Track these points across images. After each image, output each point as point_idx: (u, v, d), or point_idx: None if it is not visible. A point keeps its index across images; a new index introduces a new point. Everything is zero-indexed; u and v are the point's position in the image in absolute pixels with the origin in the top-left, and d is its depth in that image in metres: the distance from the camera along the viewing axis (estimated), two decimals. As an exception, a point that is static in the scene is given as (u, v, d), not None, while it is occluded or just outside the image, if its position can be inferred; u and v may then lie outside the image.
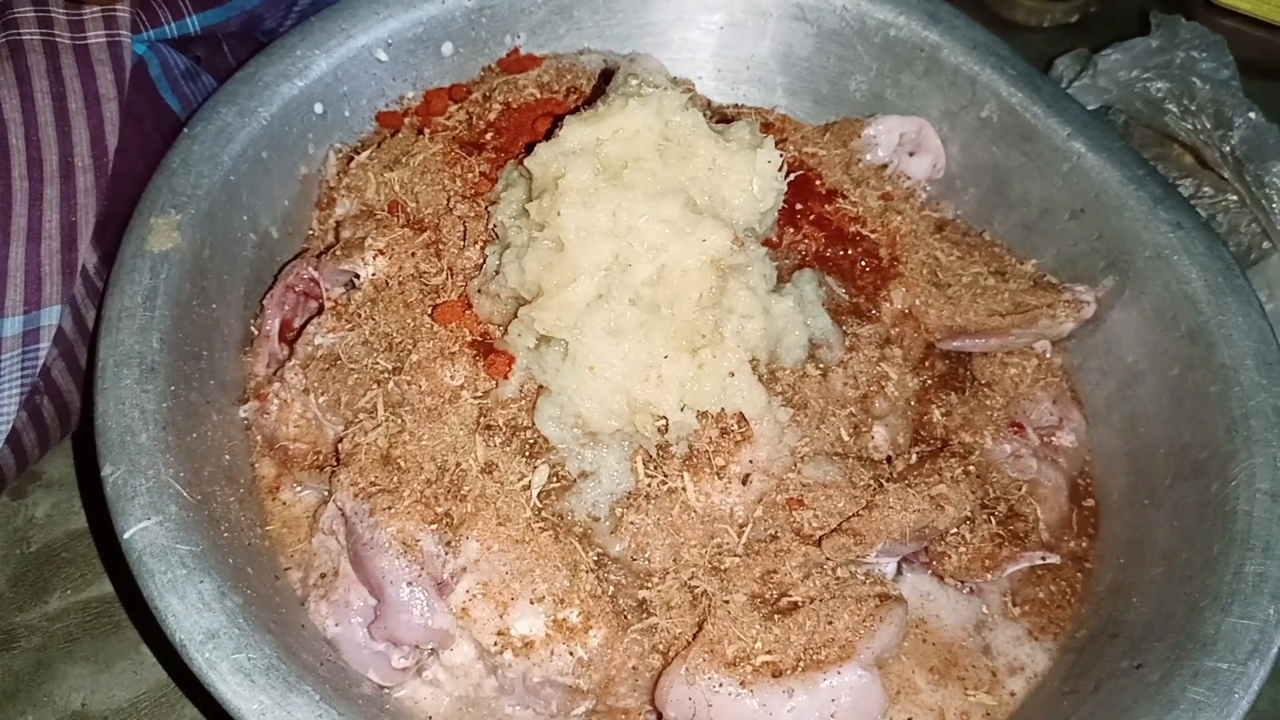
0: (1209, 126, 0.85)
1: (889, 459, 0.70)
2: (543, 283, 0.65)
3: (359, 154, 0.80)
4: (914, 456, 0.70)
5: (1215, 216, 0.88)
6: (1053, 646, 0.70)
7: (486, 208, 0.72)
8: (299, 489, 0.70)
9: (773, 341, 0.69)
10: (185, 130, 0.74)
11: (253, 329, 0.74)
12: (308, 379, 0.69)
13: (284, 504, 0.70)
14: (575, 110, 0.75)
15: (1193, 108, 0.86)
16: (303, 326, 0.72)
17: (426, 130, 0.80)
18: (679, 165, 0.66)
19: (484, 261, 0.70)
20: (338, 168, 0.81)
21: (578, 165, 0.64)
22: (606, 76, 0.85)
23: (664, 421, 0.65)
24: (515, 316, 0.67)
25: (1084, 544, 0.74)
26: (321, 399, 0.68)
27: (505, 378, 0.66)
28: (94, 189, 0.69)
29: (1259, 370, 0.69)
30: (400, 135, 0.81)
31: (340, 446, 0.66)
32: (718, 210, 0.66)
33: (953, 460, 0.69)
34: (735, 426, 0.66)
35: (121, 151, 0.72)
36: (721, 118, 0.86)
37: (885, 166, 0.86)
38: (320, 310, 0.72)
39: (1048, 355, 0.80)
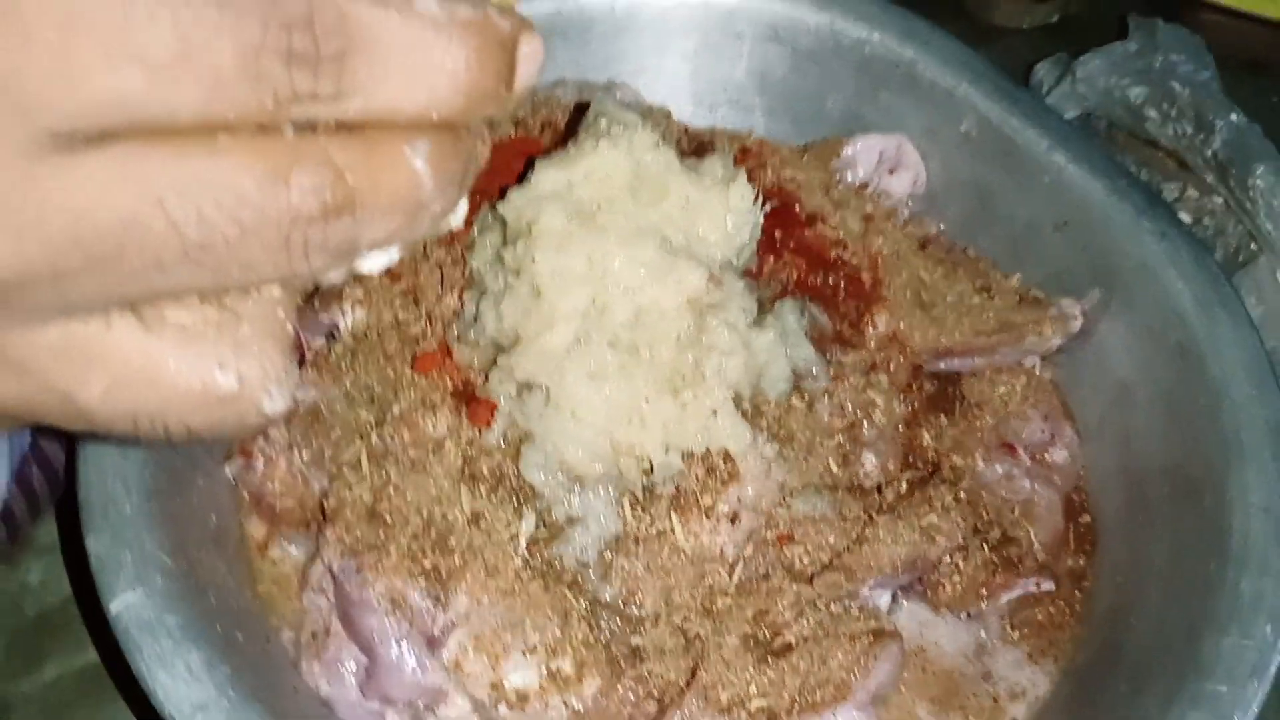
0: (1190, 131, 0.85)
1: (879, 488, 0.69)
2: (521, 330, 0.64)
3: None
4: (904, 484, 0.70)
5: (1201, 220, 0.87)
6: (1053, 670, 0.69)
7: (462, 252, 0.72)
8: (288, 546, 0.69)
9: (755, 376, 0.68)
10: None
11: (235, 385, 0.74)
12: (291, 434, 0.68)
13: (273, 562, 0.69)
14: (548, 150, 0.74)
15: (1173, 113, 0.85)
16: (285, 380, 0.72)
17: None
18: (652, 205, 0.65)
19: (462, 308, 0.70)
20: (315, 215, 0.80)
21: (550, 210, 0.64)
22: (581, 109, 0.85)
23: (649, 463, 0.64)
24: (495, 363, 0.66)
25: (1081, 561, 0.73)
26: (305, 454, 0.67)
27: (488, 425, 0.66)
28: None
29: (1249, 383, 0.69)
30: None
31: (325, 502, 0.65)
32: (693, 248, 0.66)
33: (943, 488, 0.68)
34: (721, 465, 0.65)
35: None
36: (698, 144, 0.86)
37: (866, 186, 0.86)
38: (302, 363, 0.72)
39: (1037, 371, 0.79)
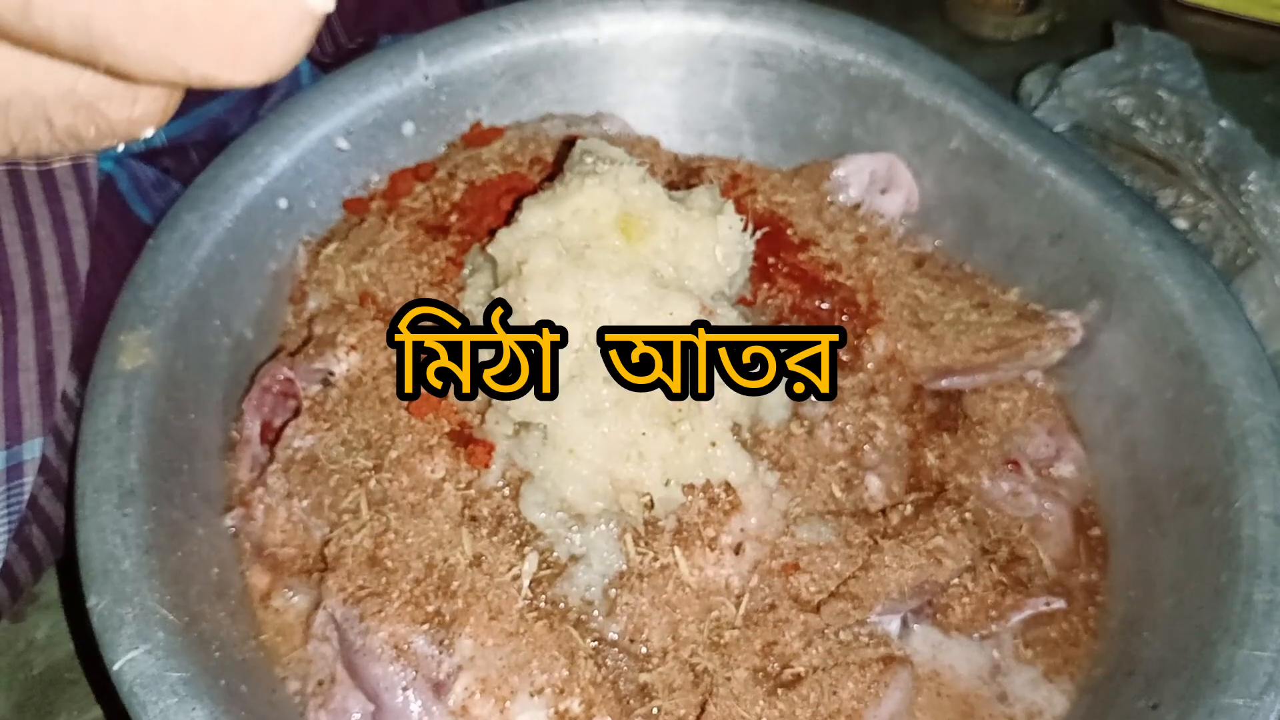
0: (1180, 139, 0.84)
1: (884, 511, 0.69)
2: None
3: (328, 245, 0.80)
4: (910, 506, 0.69)
5: (1198, 225, 0.87)
6: (1070, 687, 0.68)
7: (455, 294, 0.71)
8: (290, 595, 0.69)
9: (754, 405, 0.68)
10: (150, 241, 0.74)
11: (233, 434, 0.74)
12: (290, 482, 0.68)
13: (276, 611, 0.69)
14: (537, 188, 0.74)
15: (1162, 121, 0.85)
16: (283, 427, 0.72)
17: (393, 215, 0.80)
18: (641, 239, 0.65)
19: (456, 349, 0.69)
20: (307, 260, 0.80)
21: (540, 249, 0.64)
22: (570, 144, 0.85)
23: (650, 498, 0.64)
24: (491, 404, 0.66)
25: (1094, 575, 0.73)
26: (305, 502, 0.67)
27: (486, 467, 0.66)
28: (68, 316, 0.68)
29: (1252, 388, 0.68)
30: (368, 222, 0.81)
31: (327, 550, 0.65)
32: (684, 280, 0.66)
33: (948, 509, 0.67)
34: (723, 496, 0.65)
35: (94, 272, 0.71)
36: (688, 173, 0.86)
37: (858, 207, 0.85)
38: (299, 410, 0.72)
39: (1039, 385, 0.78)
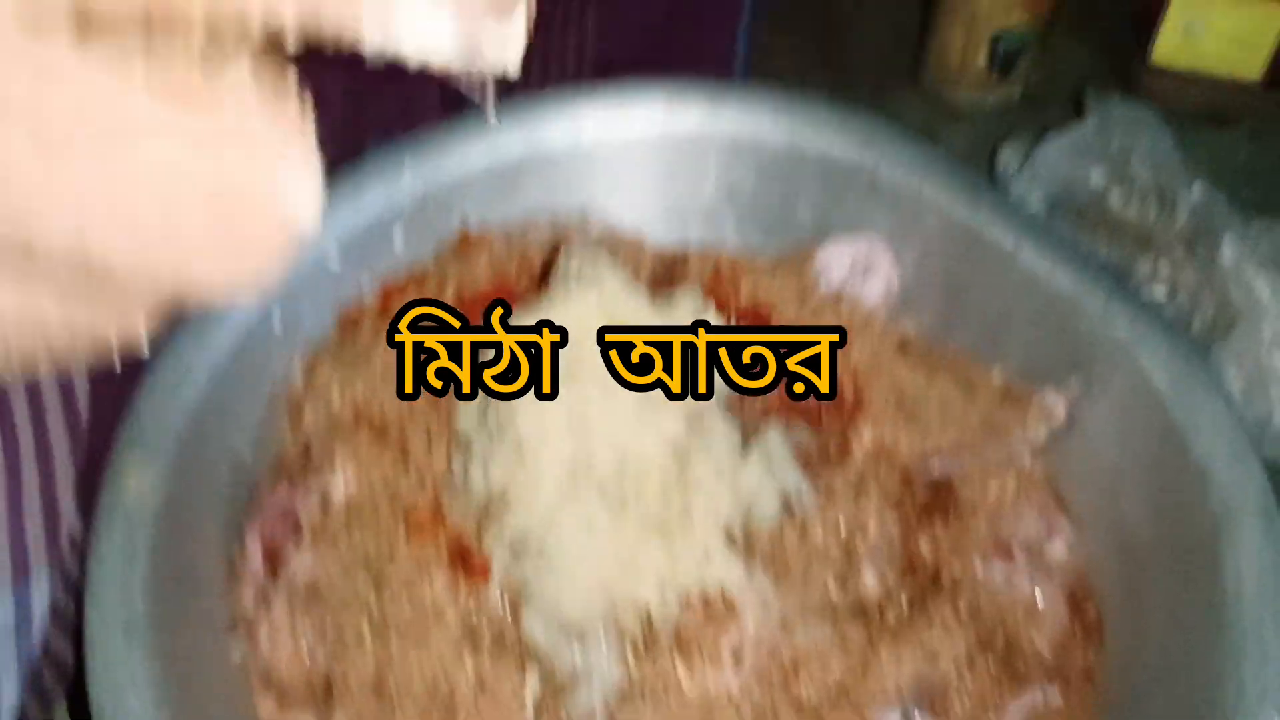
0: (1154, 211, 0.86)
1: (880, 606, 0.70)
2: (509, 487, 0.66)
3: (322, 363, 0.81)
4: (905, 601, 0.70)
5: (1176, 292, 0.88)
6: (1073, 773, 0.69)
7: (447, 411, 0.73)
8: (300, 721, 0.70)
9: (745, 508, 0.69)
10: (147, 370, 0.76)
11: (235, 559, 0.75)
12: (293, 609, 0.69)
13: (287, 738, 0.70)
14: (525, 294, 0.76)
15: (1135, 193, 0.87)
16: (284, 550, 0.73)
17: (385, 330, 0.82)
18: (626, 350, 0.67)
19: (450, 468, 0.71)
20: (303, 378, 0.82)
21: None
22: (556, 246, 0.87)
23: (647, 611, 0.65)
24: (487, 522, 0.67)
25: (1090, 656, 0.73)
26: (309, 629, 0.68)
27: (485, 584, 0.67)
28: (70, 456, 0.70)
29: (1232, 466, 0.69)
30: (361, 338, 0.82)
31: (332, 678, 0.66)
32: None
33: (943, 603, 0.68)
34: (720, 604, 0.66)
35: (94, 404, 0.73)
36: (672, 268, 0.88)
37: (840, 293, 0.87)
38: (299, 532, 0.73)
39: (1027, 465, 0.80)
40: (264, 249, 0.25)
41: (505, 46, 0.27)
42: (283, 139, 0.24)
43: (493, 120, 0.86)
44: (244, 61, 0.24)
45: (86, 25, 0.22)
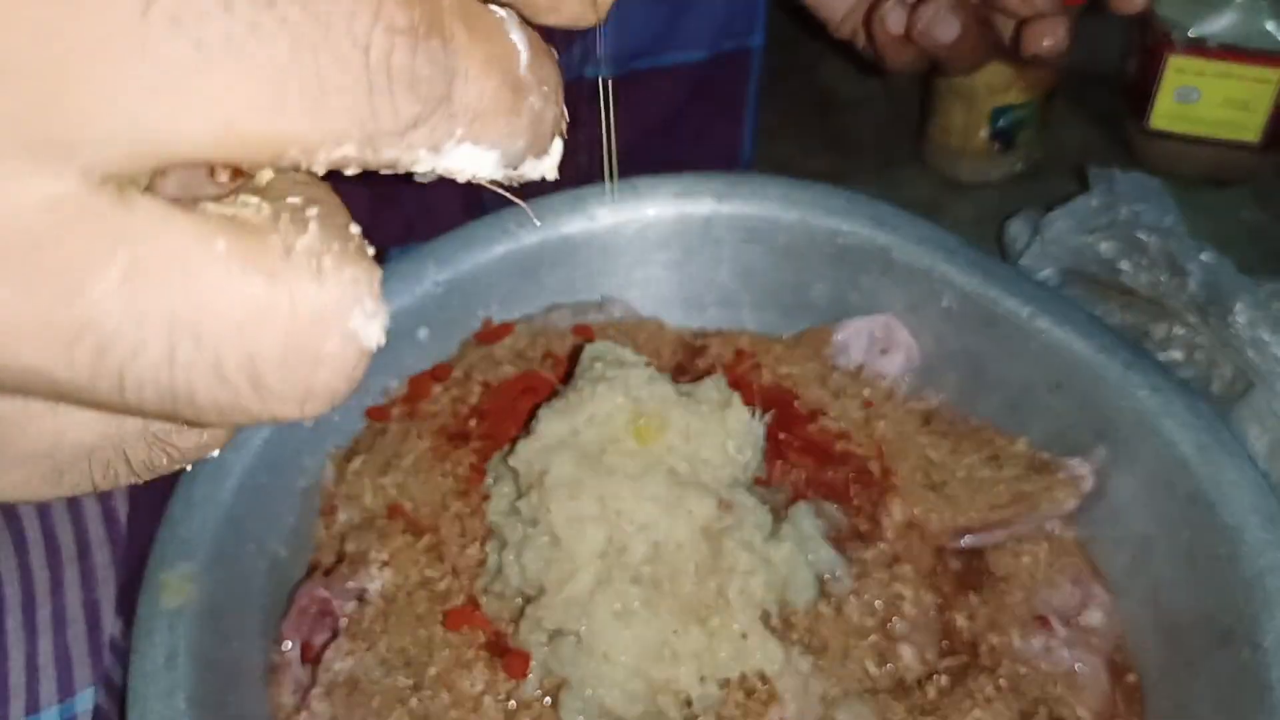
0: (1165, 278, 0.87)
1: (919, 683, 0.70)
2: (544, 578, 0.66)
3: (354, 458, 0.83)
4: (945, 676, 0.70)
5: (1193, 355, 0.89)
6: (1125, 846, 0.68)
7: (479, 503, 0.74)
8: (342, 821, 0.69)
9: (780, 589, 0.69)
10: (183, 475, 0.77)
11: (273, 657, 0.75)
12: (333, 706, 0.69)
13: (329, 839, 0.69)
14: (551, 391, 0.77)
15: (1144, 261, 0.88)
16: (323, 648, 0.73)
17: (414, 422, 0.83)
18: (654, 439, 0.68)
19: (485, 559, 0.71)
20: (335, 473, 0.83)
21: (559, 459, 0.66)
22: (579, 334, 0.89)
23: (687, 696, 0.65)
24: (524, 613, 0.68)
25: (1134, 725, 0.73)
26: (350, 726, 0.68)
27: (524, 676, 0.67)
28: (111, 562, 0.71)
29: (1263, 527, 0.69)
30: (390, 431, 0.83)
31: (374, 777, 0.66)
32: (699, 474, 0.68)
33: (983, 677, 0.68)
34: (759, 686, 0.66)
35: (133, 511, 0.74)
36: (692, 353, 0.89)
37: (860, 369, 0.88)
38: (337, 629, 0.73)
39: (1058, 534, 0.80)
40: (337, 368, 0.26)
41: (542, 168, 0.30)
42: (353, 281, 0.25)
43: (536, 221, 0.89)
44: (313, 215, 0.25)
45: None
